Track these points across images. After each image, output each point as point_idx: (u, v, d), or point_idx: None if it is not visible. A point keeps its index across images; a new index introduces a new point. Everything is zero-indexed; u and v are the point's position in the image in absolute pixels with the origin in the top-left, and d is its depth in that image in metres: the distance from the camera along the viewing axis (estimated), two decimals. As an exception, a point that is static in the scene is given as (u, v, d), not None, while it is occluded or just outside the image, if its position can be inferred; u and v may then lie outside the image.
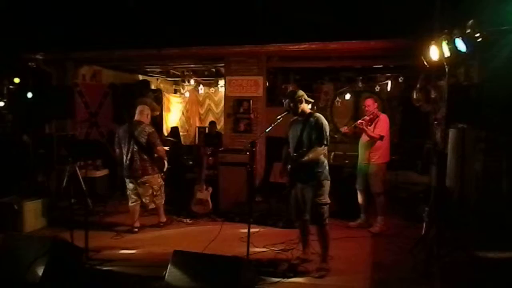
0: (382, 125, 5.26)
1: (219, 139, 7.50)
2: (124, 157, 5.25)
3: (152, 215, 5.96)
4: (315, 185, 3.87)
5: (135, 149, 5.19)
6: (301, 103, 3.98)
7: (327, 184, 3.92)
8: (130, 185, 5.33)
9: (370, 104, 5.37)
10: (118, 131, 5.40)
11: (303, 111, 4.00)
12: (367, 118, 5.32)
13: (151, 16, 6.60)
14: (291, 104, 3.98)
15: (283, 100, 4.12)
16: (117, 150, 5.36)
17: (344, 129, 5.67)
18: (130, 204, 5.36)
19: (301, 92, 4.02)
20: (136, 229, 5.34)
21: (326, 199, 3.92)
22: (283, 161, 4.21)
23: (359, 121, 5.34)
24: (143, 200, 5.35)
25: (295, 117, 4.08)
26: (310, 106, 4.14)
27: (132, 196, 5.33)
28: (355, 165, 5.61)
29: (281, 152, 4.29)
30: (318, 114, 3.98)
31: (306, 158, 3.82)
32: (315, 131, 3.86)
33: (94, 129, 7.71)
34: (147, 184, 5.29)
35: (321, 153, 3.87)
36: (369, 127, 5.26)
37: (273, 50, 6.39)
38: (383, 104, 8.68)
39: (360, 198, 5.46)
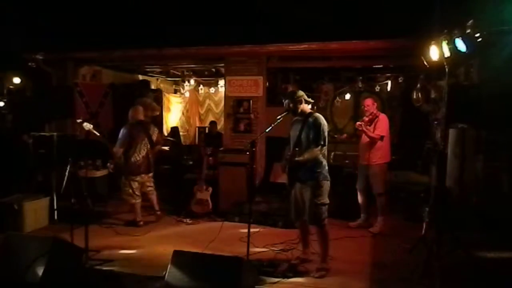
0: (382, 125, 5.24)
1: (219, 139, 7.50)
2: (137, 154, 5.45)
3: (151, 215, 5.98)
4: (314, 185, 3.86)
5: (148, 147, 5.56)
6: (301, 103, 3.98)
7: (326, 184, 3.91)
8: (135, 184, 5.49)
9: (370, 104, 5.35)
10: (131, 130, 5.45)
11: (302, 111, 4.00)
12: (366, 119, 5.30)
13: (151, 16, 6.60)
14: (291, 104, 3.98)
15: (283, 100, 4.11)
16: (121, 149, 5.38)
17: (344, 136, 5.67)
18: (134, 201, 5.50)
19: (300, 93, 4.02)
20: (141, 222, 5.55)
21: (325, 199, 3.90)
22: (284, 160, 4.20)
23: (358, 122, 5.33)
24: (151, 195, 5.70)
25: (296, 117, 4.08)
26: (310, 106, 4.13)
27: (137, 193, 5.53)
28: (355, 165, 5.61)
29: (282, 152, 4.29)
30: (317, 114, 3.97)
31: (301, 158, 3.82)
32: (312, 131, 3.85)
33: (94, 129, 7.70)
34: (151, 179, 5.71)
35: (317, 153, 3.84)
36: (368, 128, 5.25)
37: (273, 50, 6.38)
38: (383, 104, 8.68)
39: (360, 198, 5.46)
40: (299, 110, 3.99)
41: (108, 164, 5.57)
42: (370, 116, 5.29)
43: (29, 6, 6.77)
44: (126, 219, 5.71)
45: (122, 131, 5.46)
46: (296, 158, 3.84)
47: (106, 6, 6.65)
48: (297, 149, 3.89)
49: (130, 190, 5.46)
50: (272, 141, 6.51)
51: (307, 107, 4.04)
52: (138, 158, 5.45)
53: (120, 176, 5.54)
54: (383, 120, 5.27)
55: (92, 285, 3.80)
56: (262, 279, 3.74)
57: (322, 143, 3.84)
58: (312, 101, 4.19)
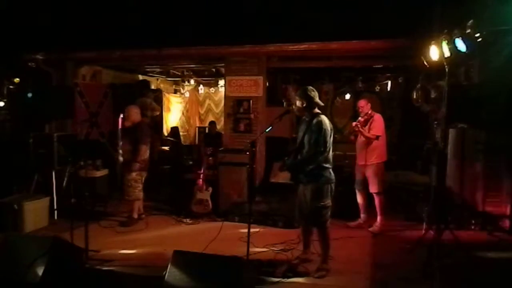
0: (377, 125, 5.27)
1: (219, 139, 7.49)
2: (149, 151, 5.68)
3: (152, 215, 5.98)
4: (314, 187, 3.84)
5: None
6: (314, 105, 3.94)
7: (327, 187, 3.87)
8: (142, 179, 5.66)
9: (364, 105, 5.37)
10: (147, 129, 5.74)
11: (310, 111, 3.97)
12: (362, 119, 5.32)
13: (151, 16, 6.60)
14: (304, 104, 3.93)
15: (284, 99, 4.10)
16: (145, 146, 5.57)
17: (352, 138, 5.67)
18: (141, 197, 5.67)
19: (314, 93, 3.98)
20: (143, 215, 5.74)
21: (326, 202, 3.86)
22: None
23: (354, 123, 5.35)
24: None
25: (304, 117, 4.04)
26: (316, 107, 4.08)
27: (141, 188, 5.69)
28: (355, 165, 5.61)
29: (282, 152, 4.29)
30: (321, 117, 3.88)
31: (293, 161, 3.89)
32: (314, 135, 3.80)
33: (94, 129, 7.71)
34: None
35: (315, 159, 3.80)
36: (364, 128, 5.27)
37: (273, 50, 6.38)
38: (383, 104, 8.69)
39: (359, 198, 5.47)
40: (308, 110, 3.94)
41: (135, 163, 5.51)
42: (366, 117, 5.31)
43: (29, 6, 6.76)
44: (123, 219, 5.70)
45: (143, 130, 5.58)
46: (287, 167, 3.93)
47: (106, 6, 6.64)
48: (286, 158, 3.97)
49: (141, 186, 5.59)
50: (272, 141, 6.52)
51: (313, 108, 4.01)
52: (148, 155, 5.65)
53: (127, 174, 5.53)
54: (378, 120, 5.30)
55: (92, 285, 3.80)
56: (262, 279, 3.73)
57: (321, 149, 3.77)
58: (322, 104, 4.09)
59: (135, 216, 5.61)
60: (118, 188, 5.85)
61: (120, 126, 5.57)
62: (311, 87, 4.01)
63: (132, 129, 5.53)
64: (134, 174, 5.49)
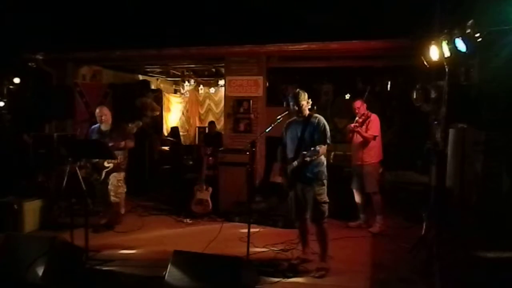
0: (374, 125, 5.30)
1: (219, 139, 7.49)
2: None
3: (152, 215, 5.98)
4: (317, 184, 3.91)
5: None
6: (305, 105, 3.99)
7: (326, 183, 3.98)
8: None
9: (360, 106, 5.38)
10: (126, 126, 5.74)
11: (305, 112, 4.00)
12: (360, 120, 5.33)
13: (151, 16, 6.59)
14: (296, 106, 3.97)
15: (284, 99, 4.12)
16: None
17: (350, 136, 5.68)
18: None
19: (305, 95, 4.01)
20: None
21: (326, 197, 3.97)
22: (280, 162, 4.21)
23: (352, 124, 5.36)
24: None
25: (293, 118, 4.08)
26: (309, 106, 4.13)
27: None
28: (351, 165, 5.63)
29: (277, 152, 4.30)
30: (318, 115, 4.01)
31: (319, 150, 3.75)
32: (317, 132, 3.90)
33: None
34: None
35: (325, 152, 3.93)
36: (361, 128, 5.29)
37: (273, 50, 6.38)
38: (383, 104, 8.67)
39: (357, 198, 5.47)
40: (302, 112, 3.98)
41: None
42: (362, 117, 5.32)
43: (29, 6, 6.75)
44: (126, 218, 5.69)
45: (126, 129, 5.61)
46: (314, 157, 3.80)
47: (106, 6, 6.64)
48: (312, 148, 3.79)
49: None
50: (272, 141, 6.49)
51: (307, 109, 4.05)
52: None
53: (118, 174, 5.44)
54: (374, 120, 5.33)
55: (92, 285, 3.80)
56: (262, 279, 3.74)
57: (328, 142, 3.90)
58: (311, 101, 4.16)
59: (123, 211, 5.59)
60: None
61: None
62: (298, 89, 4.07)
63: (110, 131, 5.37)
64: (123, 174, 5.44)
